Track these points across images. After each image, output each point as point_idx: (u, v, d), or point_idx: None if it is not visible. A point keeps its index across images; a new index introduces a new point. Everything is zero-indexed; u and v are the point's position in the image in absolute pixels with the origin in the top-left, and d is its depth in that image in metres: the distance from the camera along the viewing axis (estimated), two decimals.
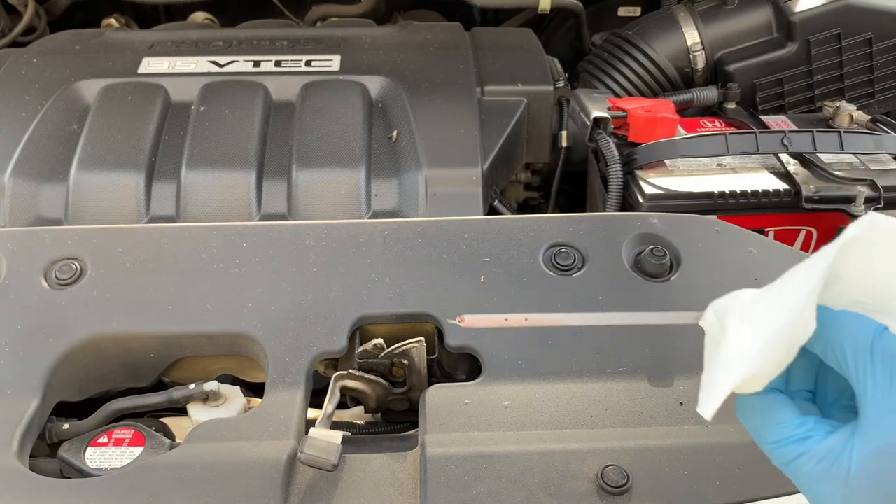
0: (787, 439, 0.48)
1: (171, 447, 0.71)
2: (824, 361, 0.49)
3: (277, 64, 1.20)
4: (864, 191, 1.01)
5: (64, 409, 0.78)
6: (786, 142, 1.03)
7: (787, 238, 1.05)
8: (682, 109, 1.25)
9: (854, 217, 1.00)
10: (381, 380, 0.77)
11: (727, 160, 1.07)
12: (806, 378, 0.52)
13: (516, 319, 0.57)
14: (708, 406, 0.49)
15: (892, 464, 0.44)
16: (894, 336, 0.46)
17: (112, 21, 1.57)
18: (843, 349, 0.47)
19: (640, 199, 1.01)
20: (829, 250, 0.47)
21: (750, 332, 0.49)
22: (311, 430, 0.66)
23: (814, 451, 0.47)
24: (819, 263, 0.47)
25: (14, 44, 1.47)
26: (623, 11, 1.58)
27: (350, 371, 0.74)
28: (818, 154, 1.05)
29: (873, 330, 0.47)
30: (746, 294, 0.51)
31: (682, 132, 1.10)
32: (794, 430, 0.48)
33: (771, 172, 1.05)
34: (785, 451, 0.48)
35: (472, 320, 0.57)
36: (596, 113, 1.09)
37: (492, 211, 1.13)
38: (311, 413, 0.75)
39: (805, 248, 1.06)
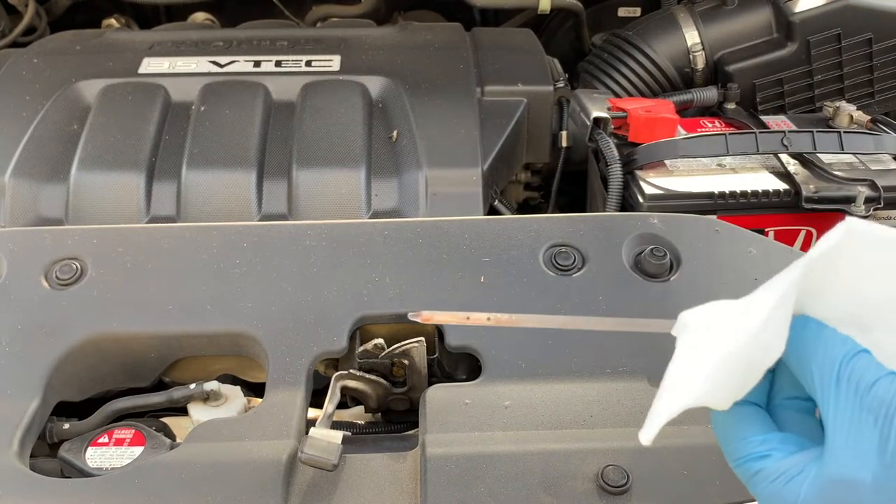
0: (746, 456, 0.47)
1: (172, 447, 0.71)
2: (799, 381, 0.47)
3: (278, 64, 1.20)
4: (864, 191, 1.01)
5: (64, 409, 0.78)
6: (786, 142, 1.03)
7: (787, 238, 1.05)
8: (682, 110, 1.25)
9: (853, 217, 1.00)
10: (381, 380, 0.77)
11: (727, 160, 1.07)
12: (799, 385, 0.49)
13: (478, 318, 0.55)
14: (646, 432, 0.48)
15: (839, 497, 0.42)
16: (869, 360, 0.43)
17: (112, 21, 1.57)
18: (810, 371, 0.45)
19: (640, 199, 1.01)
20: (796, 267, 0.44)
21: (697, 357, 0.47)
22: (312, 429, 0.66)
23: (769, 469, 0.46)
24: (784, 282, 0.44)
25: (14, 44, 1.47)
26: (623, 12, 1.58)
27: (350, 371, 0.74)
28: (818, 154, 1.05)
29: (843, 353, 0.43)
30: (716, 307, 0.49)
31: (682, 132, 1.10)
32: (755, 448, 0.47)
33: (771, 172, 1.05)
34: (744, 468, 0.47)
35: (430, 316, 0.55)
36: (596, 113, 1.09)
37: (492, 211, 1.13)
38: (312, 413, 0.75)
39: (805, 248, 1.06)
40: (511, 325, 0.57)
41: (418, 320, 0.56)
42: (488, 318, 0.55)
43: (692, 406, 0.46)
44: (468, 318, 0.55)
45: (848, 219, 0.43)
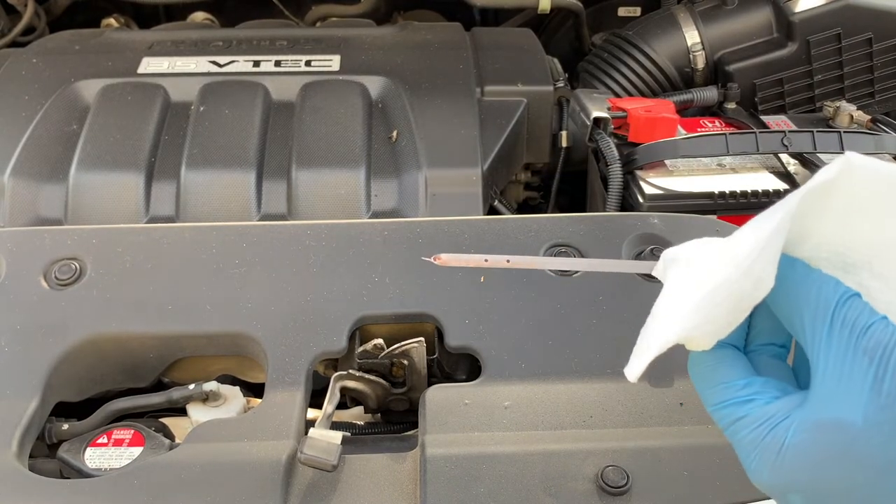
0: (727, 401, 0.45)
1: (171, 447, 0.71)
2: (783, 325, 0.45)
3: (277, 64, 1.20)
4: None
5: (63, 410, 0.78)
6: (786, 142, 1.02)
7: None
8: (683, 109, 1.25)
9: None
10: (380, 380, 0.77)
11: (727, 160, 1.07)
12: (775, 331, 0.47)
13: (497, 261, 0.54)
14: (633, 369, 0.46)
15: (828, 439, 0.40)
16: (863, 304, 0.41)
17: (112, 21, 1.56)
18: (801, 315, 0.43)
19: (640, 199, 1.01)
20: (792, 197, 0.41)
21: (686, 289, 0.45)
22: (311, 430, 0.66)
23: (753, 415, 0.44)
24: (777, 213, 0.41)
25: (14, 44, 1.47)
26: (623, 11, 1.58)
27: (350, 371, 0.74)
28: (818, 154, 1.05)
29: (838, 296, 0.41)
30: (701, 243, 0.47)
31: (682, 132, 1.10)
32: (737, 392, 0.45)
33: (771, 172, 1.05)
34: (724, 413, 0.45)
35: (448, 259, 0.55)
36: (596, 113, 1.09)
37: (492, 211, 1.13)
38: (311, 413, 0.75)
39: None
40: (523, 267, 0.56)
41: (437, 263, 0.55)
42: (507, 261, 0.55)
43: (679, 340, 0.44)
44: (486, 261, 0.55)
45: (848, 153, 0.41)
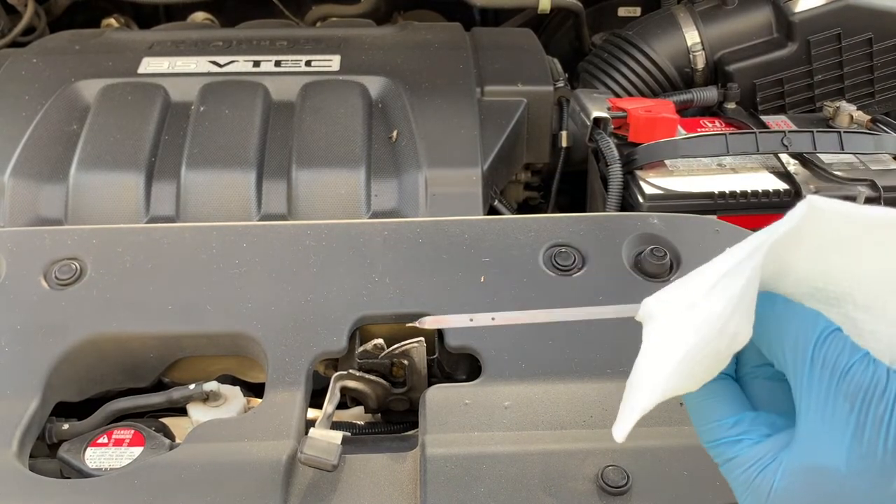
0: (718, 441, 0.46)
1: (171, 447, 0.71)
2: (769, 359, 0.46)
3: (277, 64, 1.20)
4: (864, 191, 1.01)
5: (64, 410, 0.78)
6: (786, 142, 1.03)
7: None
8: (682, 109, 1.25)
9: None
10: (381, 380, 0.77)
11: (727, 160, 1.07)
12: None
13: (482, 319, 0.56)
14: (620, 430, 0.48)
15: (813, 485, 0.41)
16: (844, 341, 0.41)
17: (112, 21, 1.57)
18: (783, 352, 0.43)
19: (640, 199, 1.01)
20: (761, 248, 0.42)
21: (664, 351, 0.46)
22: (311, 430, 0.66)
23: (742, 457, 0.45)
24: (748, 266, 0.43)
25: (14, 44, 1.47)
26: (623, 11, 1.58)
27: (350, 371, 0.74)
28: (818, 154, 1.05)
29: (818, 333, 0.42)
30: (680, 291, 0.48)
31: (682, 132, 1.10)
32: (727, 432, 0.46)
33: (771, 172, 1.05)
34: (717, 452, 0.46)
35: (434, 321, 0.57)
36: (596, 113, 1.09)
37: (492, 211, 1.13)
38: (311, 413, 0.75)
39: None
40: (509, 323, 0.58)
41: (424, 327, 0.57)
42: (493, 318, 0.57)
43: (663, 400, 0.46)
44: (471, 321, 0.57)
45: (809, 196, 0.42)
